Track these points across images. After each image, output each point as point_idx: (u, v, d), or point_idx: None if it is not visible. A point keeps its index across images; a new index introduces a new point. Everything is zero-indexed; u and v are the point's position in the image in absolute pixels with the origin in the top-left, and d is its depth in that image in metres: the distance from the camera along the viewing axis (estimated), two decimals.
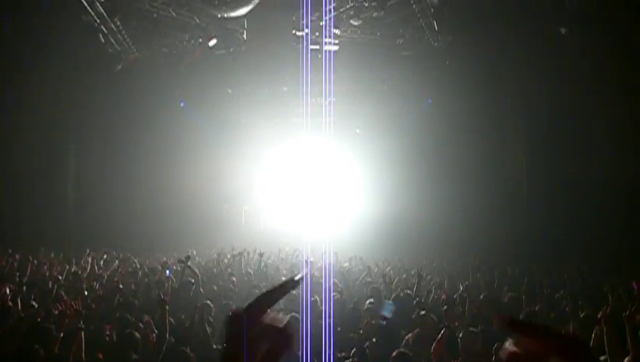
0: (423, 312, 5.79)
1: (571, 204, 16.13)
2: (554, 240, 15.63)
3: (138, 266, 11.70)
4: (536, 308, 7.11)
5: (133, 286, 8.68)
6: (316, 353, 4.95)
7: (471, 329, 5.13)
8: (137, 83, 19.79)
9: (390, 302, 6.70)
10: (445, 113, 19.97)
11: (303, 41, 16.03)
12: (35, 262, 11.15)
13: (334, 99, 18.58)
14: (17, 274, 9.44)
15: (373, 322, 6.25)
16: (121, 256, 13.62)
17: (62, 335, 4.96)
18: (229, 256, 13.84)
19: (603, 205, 15.17)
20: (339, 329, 6.07)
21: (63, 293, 7.58)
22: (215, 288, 8.96)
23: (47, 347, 4.78)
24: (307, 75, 14.71)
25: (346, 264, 13.27)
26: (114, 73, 18.88)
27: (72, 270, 10.31)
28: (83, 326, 4.94)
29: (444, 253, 16.70)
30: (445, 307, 6.15)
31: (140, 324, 5.98)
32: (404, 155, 21.13)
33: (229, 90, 21.86)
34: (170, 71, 19.49)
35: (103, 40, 17.20)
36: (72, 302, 5.35)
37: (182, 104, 22.93)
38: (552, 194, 16.91)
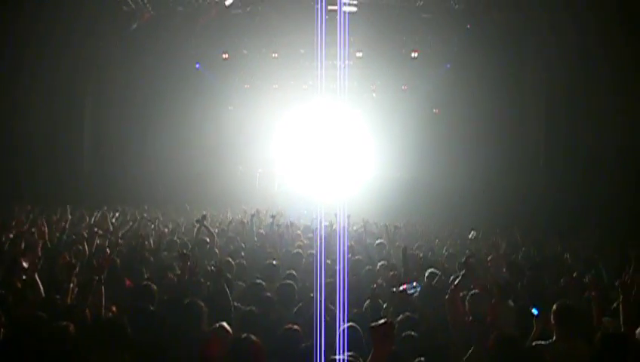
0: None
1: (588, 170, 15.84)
2: (570, 209, 15.41)
3: (152, 226, 11.75)
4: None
5: (152, 244, 8.74)
6: (331, 311, 4.96)
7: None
8: (152, 42, 19.60)
9: (416, 284, 6.42)
10: (464, 78, 19.62)
11: (320, 1, 15.63)
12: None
13: (351, 62, 18.27)
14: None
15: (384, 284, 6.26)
16: (137, 215, 13.69)
17: (72, 286, 5.21)
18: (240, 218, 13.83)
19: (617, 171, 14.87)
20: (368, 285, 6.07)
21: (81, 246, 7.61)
22: (232, 247, 9.02)
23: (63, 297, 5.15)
24: (323, 37, 14.31)
25: (355, 227, 13.11)
26: (129, 32, 18.68)
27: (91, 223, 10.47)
28: (96, 278, 4.94)
29: (458, 218, 16.61)
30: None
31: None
32: (420, 120, 20.88)
33: (245, 51, 21.58)
34: (186, 30, 19.23)
35: None
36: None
37: (197, 66, 22.72)
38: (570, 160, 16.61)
